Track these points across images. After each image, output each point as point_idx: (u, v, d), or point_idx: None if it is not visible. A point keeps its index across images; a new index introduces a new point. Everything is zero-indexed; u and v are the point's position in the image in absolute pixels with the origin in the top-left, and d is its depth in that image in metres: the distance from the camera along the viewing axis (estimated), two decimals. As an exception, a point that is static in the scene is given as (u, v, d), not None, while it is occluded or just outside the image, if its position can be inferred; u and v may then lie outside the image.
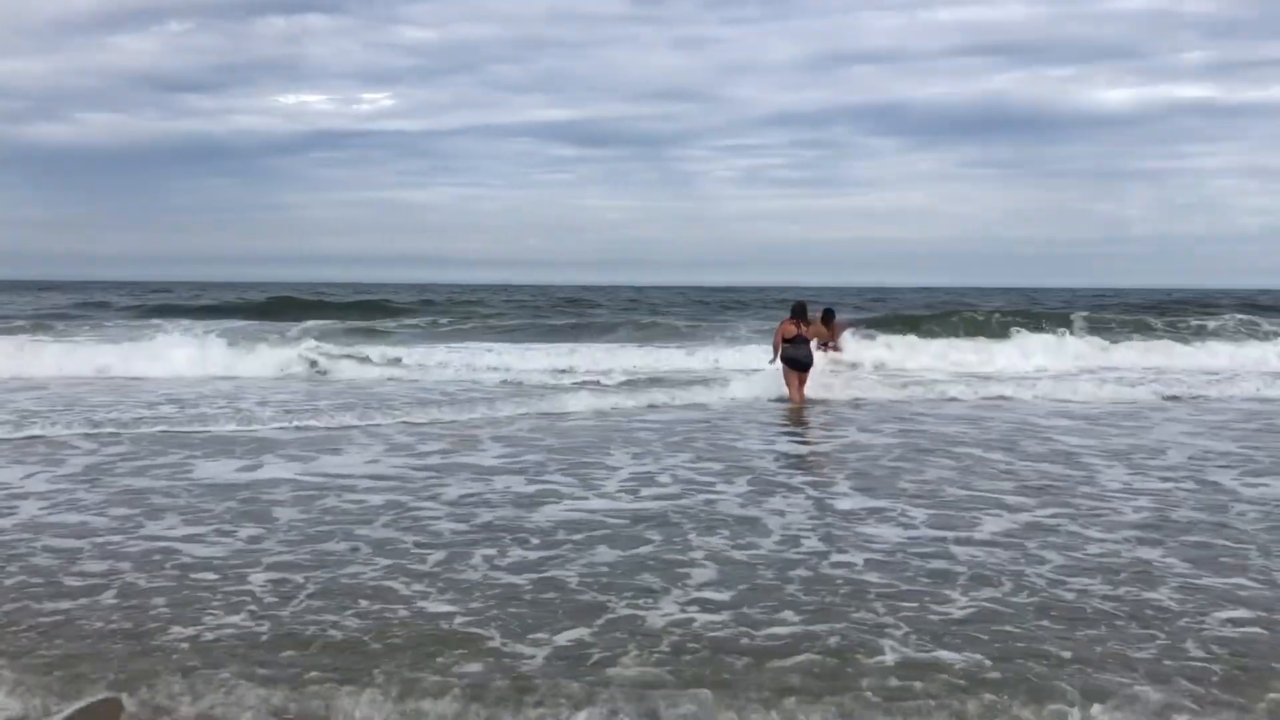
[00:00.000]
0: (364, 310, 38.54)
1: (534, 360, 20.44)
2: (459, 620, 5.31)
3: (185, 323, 27.87)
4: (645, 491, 8.42)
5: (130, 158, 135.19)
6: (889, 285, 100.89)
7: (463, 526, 7.28)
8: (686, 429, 11.89)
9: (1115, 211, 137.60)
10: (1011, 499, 8.22)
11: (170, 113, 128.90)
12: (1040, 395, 15.36)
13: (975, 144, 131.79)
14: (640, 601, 5.61)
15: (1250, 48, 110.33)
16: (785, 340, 13.70)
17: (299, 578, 6.05)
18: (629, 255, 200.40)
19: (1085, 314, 29.58)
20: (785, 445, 11.08)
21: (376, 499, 8.13)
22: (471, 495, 8.31)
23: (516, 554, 6.56)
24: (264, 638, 5.08)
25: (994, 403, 14.71)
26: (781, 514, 7.69)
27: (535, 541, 6.88)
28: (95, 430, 11.58)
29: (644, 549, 6.67)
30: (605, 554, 6.56)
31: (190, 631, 5.15)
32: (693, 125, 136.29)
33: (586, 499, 8.19)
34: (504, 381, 17.34)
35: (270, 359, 19.20)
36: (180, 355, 18.98)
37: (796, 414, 13.26)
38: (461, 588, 5.86)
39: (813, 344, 14.37)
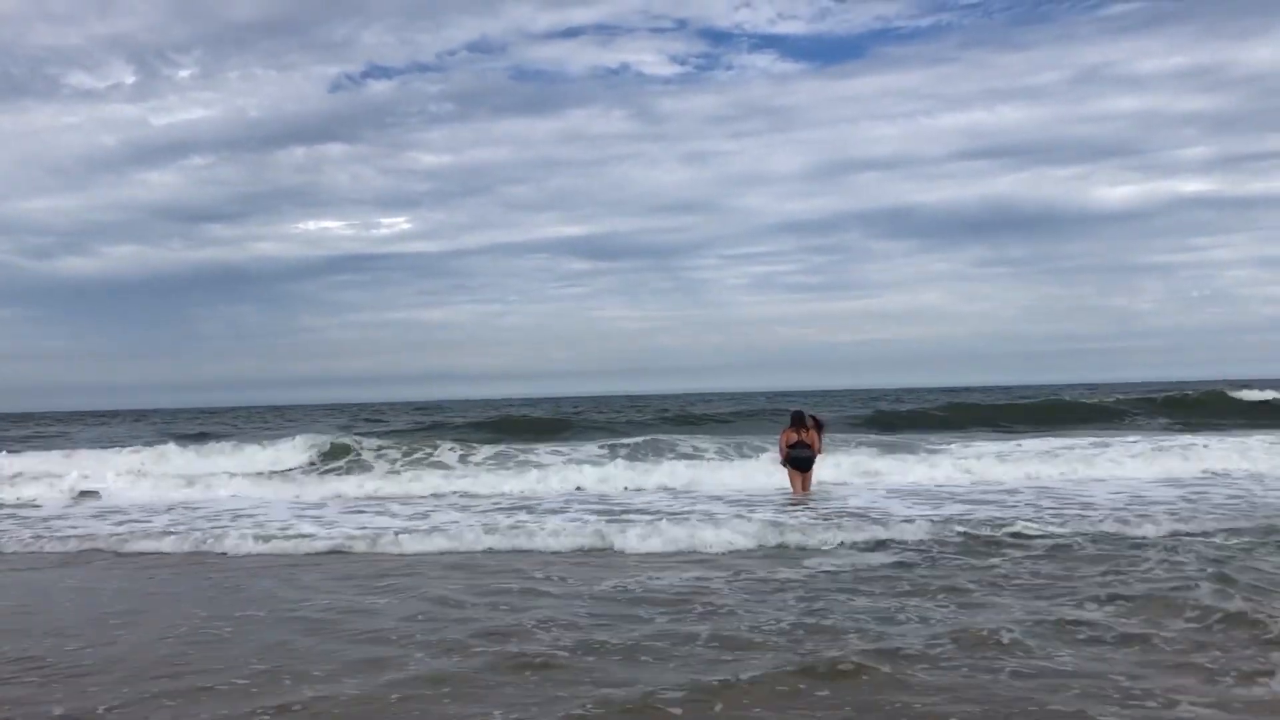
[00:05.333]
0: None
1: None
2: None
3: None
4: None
5: (154, 287, 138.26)
6: (909, 385, 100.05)
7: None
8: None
9: (1129, 305, 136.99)
10: None
11: (193, 242, 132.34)
12: None
13: (986, 244, 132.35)
14: None
15: (1253, 140, 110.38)
16: (789, 445, 15.36)
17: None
18: (650, 364, 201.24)
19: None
20: None
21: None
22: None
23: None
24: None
25: None
26: None
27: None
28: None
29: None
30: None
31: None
32: (703, 235, 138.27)
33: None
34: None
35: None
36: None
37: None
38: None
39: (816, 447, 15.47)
